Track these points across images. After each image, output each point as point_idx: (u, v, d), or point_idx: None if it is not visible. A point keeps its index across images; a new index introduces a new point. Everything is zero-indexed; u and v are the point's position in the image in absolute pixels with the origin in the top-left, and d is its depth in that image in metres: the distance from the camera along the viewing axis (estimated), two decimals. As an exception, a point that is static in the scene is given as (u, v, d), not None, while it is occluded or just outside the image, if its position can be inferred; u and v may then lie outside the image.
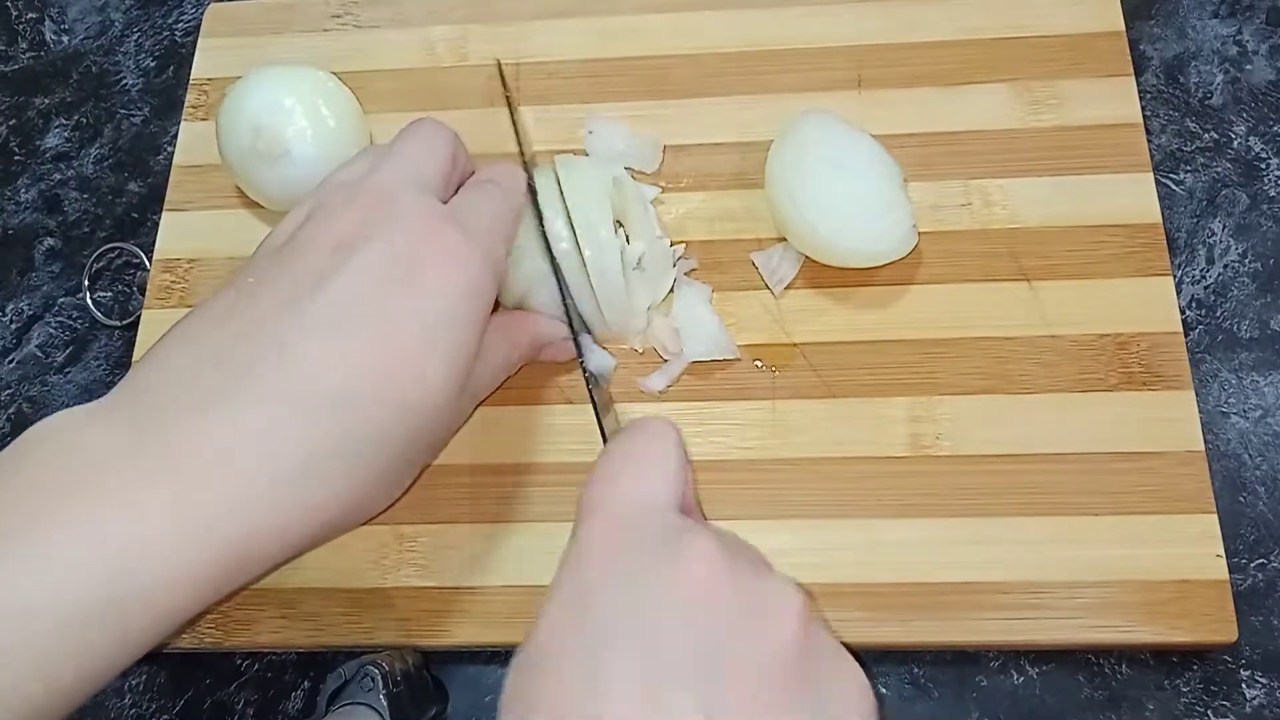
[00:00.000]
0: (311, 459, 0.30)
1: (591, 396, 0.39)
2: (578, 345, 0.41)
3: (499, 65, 0.48)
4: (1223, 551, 0.38)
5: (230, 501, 0.29)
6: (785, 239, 0.44)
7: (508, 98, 0.47)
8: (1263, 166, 0.47)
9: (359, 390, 0.31)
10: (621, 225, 0.43)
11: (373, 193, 0.34)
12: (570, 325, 0.41)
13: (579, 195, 0.41)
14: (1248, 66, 0.49)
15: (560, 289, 0.41)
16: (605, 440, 0.37)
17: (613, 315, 0.42)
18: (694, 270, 0.45)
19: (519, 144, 0.45)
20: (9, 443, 0.30)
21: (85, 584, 0.27)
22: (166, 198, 0.49)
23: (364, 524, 0.36)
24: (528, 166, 0.42)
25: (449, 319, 0.33)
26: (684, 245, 0.45)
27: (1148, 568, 0.38)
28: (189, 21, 0.56)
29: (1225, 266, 0.45)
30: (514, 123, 0.46)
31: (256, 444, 0.29)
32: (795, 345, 0.43)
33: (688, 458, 0.30)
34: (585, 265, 0.40)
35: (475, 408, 0.41)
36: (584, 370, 0.40)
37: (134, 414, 0.30)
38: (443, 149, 0.37)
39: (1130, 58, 0.46)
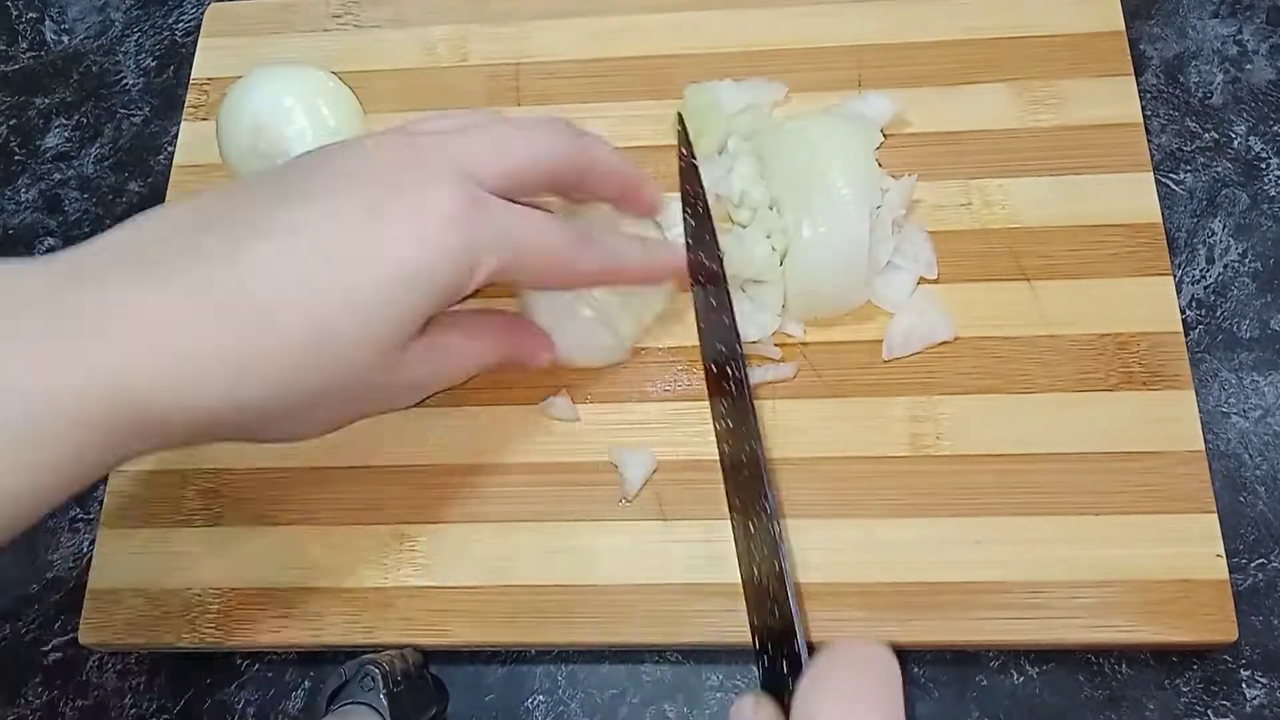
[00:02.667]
0: (210, 354, 0.30)
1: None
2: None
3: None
4: (1223, 551, 0.38)
5: (121, 366, 0.28)
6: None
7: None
8: (1263, 166, 0.47)
9: (275, 312, 0.30)
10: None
11: (411, 150, 0.33)
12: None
13: (849, 149, 0.42)
14: (1248, 66, 0.49)
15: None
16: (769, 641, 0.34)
17: (862, 275, 0.42)
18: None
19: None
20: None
21: None
22: (167, 197, 0.49)
23: (275, 441, 0.34)
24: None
25: (388, 288, 0.31)
26: None
27: (1148, 568, 0.38)
28: (189, 21, 0.56)
29: (1225, 266, 0.45)
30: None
31: (165, 325, 0.29)
32: (795, 345, 0.43)
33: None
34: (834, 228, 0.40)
35: (423, 398, 0.39)
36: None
37: (69, 267, 0.30)
38: (521, 152, 0.35)
39: (1130, 57, 0.46)
